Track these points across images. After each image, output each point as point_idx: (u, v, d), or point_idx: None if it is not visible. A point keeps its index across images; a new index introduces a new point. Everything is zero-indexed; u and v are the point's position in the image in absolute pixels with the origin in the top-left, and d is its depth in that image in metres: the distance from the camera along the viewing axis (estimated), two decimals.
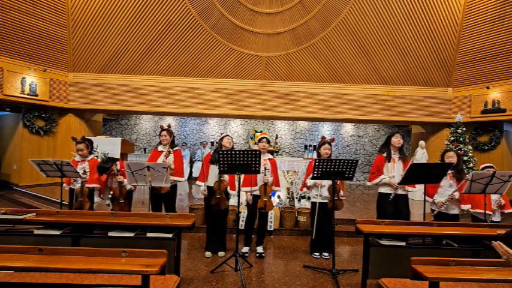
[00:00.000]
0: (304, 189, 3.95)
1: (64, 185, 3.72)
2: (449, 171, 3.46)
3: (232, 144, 3.88)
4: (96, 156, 5.73)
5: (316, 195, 3.73)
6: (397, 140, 3.55)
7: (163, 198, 3.86)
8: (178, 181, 3.93)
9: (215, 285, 2.98)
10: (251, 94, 7.88)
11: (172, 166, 3.77)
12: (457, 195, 3.39)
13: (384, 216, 3.52)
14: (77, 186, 3.66)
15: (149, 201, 3.65)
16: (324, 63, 7.62)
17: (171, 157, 3.86)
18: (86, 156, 3.90)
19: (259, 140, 3.88)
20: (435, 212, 3.56)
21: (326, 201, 3.68)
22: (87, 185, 3.69)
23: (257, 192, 3.77)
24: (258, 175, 3.76)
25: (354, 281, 3.15)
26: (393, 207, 3.53)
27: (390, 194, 3.52)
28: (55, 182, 6.90)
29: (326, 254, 3.80)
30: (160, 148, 3.95)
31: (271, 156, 3.97)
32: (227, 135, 3.86)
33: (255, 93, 7.89)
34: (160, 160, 3.76)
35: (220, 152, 3.11)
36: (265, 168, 3.65)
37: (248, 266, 3.47)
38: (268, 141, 3.89)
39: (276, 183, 3.89)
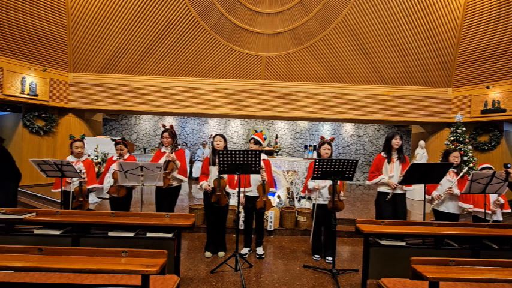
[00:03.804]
0: (306, 191, 3.89)
1: (57, 189, 3.63)
2: (451, 170, 3.48)
3: (225, 142, 3.76)
4: (96, 157, 5.75)
5: (318, 197, 3.72)
6: (396, 141, 3.59)
7: (166, 196, 3.75)
8: (181, 180, 3.80)
9: (215, 285, 2.97)
10: (251, 94, 7.88)
11: (178, 163, 3.69)
12: (456, 191, 3.40)
13: (382, 215, 3.56)
14: (74, 186, 3.63)
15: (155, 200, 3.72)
16: (324, 63, 7.62)
17: (174, 156, 3.73)
18: (81, 157, 3.85)
19: (249, 141, 3.87)
20: (432, 207, 3.57)
21: (327, 202, 3.67)
22: (88, 186, 3.70)
23: (250, 193, 3.76)
24: (252, 176, 3.74)
25: (354, 281, 3.15)
26: (391, 206, 3.55)
27: (388, 193, 3.53)
28: (54, 182, 6.89)
29: (330, 259, 3.64)
30: (163, 149, 3.82)
31: (265, 157, 3.93)
32: (217, 135, 3.76)
33: (255, 93, 7.89)
34: (162, 161, 3.65)
35: (220, 152, 3.11)
36: (261, 167, 3.64)
37: (248, 266, 3.47)
38: (257, 142, 3.79)
39: (270, 184, 3.80)
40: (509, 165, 2.37)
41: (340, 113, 7.91)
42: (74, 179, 3.64)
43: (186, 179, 3.83)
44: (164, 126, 3.82)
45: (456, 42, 6.93)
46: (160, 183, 3.39)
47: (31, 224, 2.82)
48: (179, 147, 3.86)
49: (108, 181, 3.73)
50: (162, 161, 3.66)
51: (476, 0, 6.37)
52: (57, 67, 7.29)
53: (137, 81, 7.72)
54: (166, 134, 3.75)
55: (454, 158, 3.52)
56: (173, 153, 3.71)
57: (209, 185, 3.67)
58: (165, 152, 3.77)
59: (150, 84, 7.75)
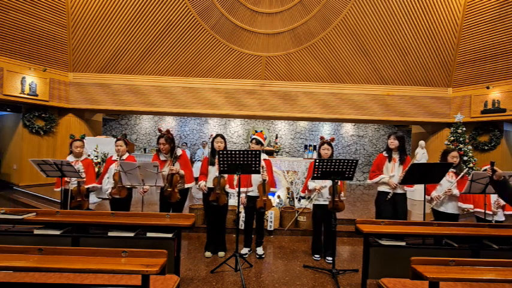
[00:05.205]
0: (306, 191, 3.87)
1: (58, 189, 3.58)
2: (450, 170, 3.47)
3: (225, 143, 3.72)
4: (96, 157, 5.75)
5: (318, 197, 3.72)
6: (390, 141, 3.62)
7: (172, 204, 3.57)
8: (187, 187, 3.64)
9: (215, 285, 2.97)
10: (251, 94, 7.88)
11: (182, 172, 3.54)
12: (455, 191, 3.39)
13: (382, 214, 3.56)
14: (73, 186, 3.61)
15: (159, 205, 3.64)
16: (324, 63, 7.62)
17: (177, 165, 3.55)
18: (80, 156, 3.82)
19: (250, 141, 3.86)
20: (431, 207, 3.56)
21: (327, 202, 3.66)
22: (86, 186, 3.69)
23: (252, 193, 3.76)
24: (253, 175, 3.74)
25: (354, 281, 3.15)
26: (391, 205, 3.56)
27: (388, 193, 3.54)
28: (55, 182, 6.90)
29: (330, 259, 3.63)
30: (162, 157, 3.59)
31: (266, 157, 3.93)
32: (218, 136, 3.70)
33: (255, 93, 7.89)
34: (165, 170, 3.50)
35: (221, 152, 3.11)
36: (262, 167, 3.64)
37: (248, 266, 3.47)
38: (258, 142, 3.77)
39: (271, 184, 3.81)
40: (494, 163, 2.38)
41: (340, 113, 7.91)
42: (72, 179, 3.63)
43: (191, 185, 3.67)
44: (160, 130, 3.58)
45: (456, 42, 6.93)
46: (160, 183, 3.36)
47: (31, 224, 2.81)
48: (179, 150, 3.67)
49: (107, 182, 3.72)
50: (164, 172, 3.49)
51: (476, 0, 6.37)
52: (57, 67, 7.29)
53: (137, 81, 7.72)
54: (162, 140, 3.49)
55: (453, 157, 3.52)
56: (176, 162, 3.53)
57: (205, 185, 3.66)
58: (164, 161, 3.57)
59: (150, 84, 7.75)
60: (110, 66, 7.55)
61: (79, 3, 6.53)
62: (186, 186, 3.62)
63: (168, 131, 3.60)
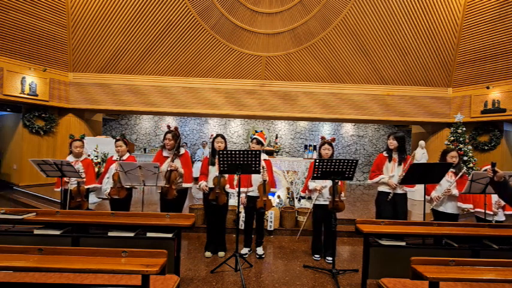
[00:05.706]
0: (307, 191, 3.87)
1: (58, 189, 3.57)
2: (450, 170, 3.48)
3: (225, 144, 3.74)
4: (96, 157, 5.75)
5: (319, 198, 3.72)
6: (389, 142, 3.63)
7: (171, 203, 3.57)
8: (186, 187, 3.65)
9: (215, 285, 2.97)
10: (251, 94, 7.88)
11: (181, 171, 3.55)
12: (454, 191, 3.39)
13: (382, 214, 3.56)
14: (72, 186, 3.61)
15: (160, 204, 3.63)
16: (324, 63, 7.62)
17: (178, 162, 3.57)
18: (80, 156, 3.81)
19: (251, 141, 3.86)
20: (431, 207, 3.57)
21: (327, 202, 3.66)
22: (86, 186, 3.69)
23: (252, 193, 3.76)
24: (253, 175, 3.74)
25: (354, 281, 3.15)
26: (391, 205, 3.55)
27: (389, 193, 3.54)
28: (55, 182, 6.89)
29: (330, 259, 3.63)
30: (165, 153, 3.63)
31: (266, 157, 3.92)
32: (218, 136, 3.71)
33: (255, 93, 7.89)
34: (165, 166, 3.50)
35: (221, 152, 3.11)
36: (263, 167, 3.64)
37: (248, 266, 3.47)
38: (259, 142, 3.76)
39: (271, 184, 3.80)
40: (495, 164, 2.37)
41: (340, 113, 7.91)
42: (72, 179, 3.63)
43: (189, 185, 3.67)
44: (169, 127, 3.67)
45: (456, 42, 6.93)
46: (162, 183, 3.37)
47: (31, 224, 2.81)
48: (182, 149, 3.70)
49: (106, 182, 3.72)
50: (164, 168, 3.49)
51: (476, 0, 6.37)
52: (57, 67, 7.29)
53: (137, 81, 7.72)
54: (169, 136, 3.56)
55: (452, 157, 3.52)
56: (175, 159, 3.55)
57: (206, 186, 3.66)
58: (166, 157, 3.59)
59: (150, 84, 7.75)
60: (110, 66, 7.55)
61: (79, 3, 6.53)
62: (185, 185, 3.63)
63: (176, 128, 3.69)
